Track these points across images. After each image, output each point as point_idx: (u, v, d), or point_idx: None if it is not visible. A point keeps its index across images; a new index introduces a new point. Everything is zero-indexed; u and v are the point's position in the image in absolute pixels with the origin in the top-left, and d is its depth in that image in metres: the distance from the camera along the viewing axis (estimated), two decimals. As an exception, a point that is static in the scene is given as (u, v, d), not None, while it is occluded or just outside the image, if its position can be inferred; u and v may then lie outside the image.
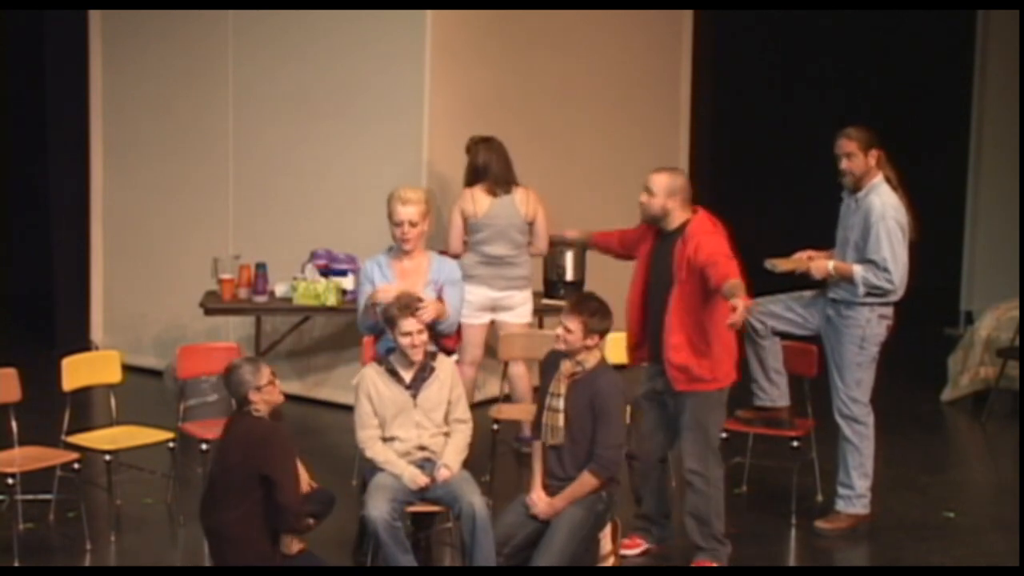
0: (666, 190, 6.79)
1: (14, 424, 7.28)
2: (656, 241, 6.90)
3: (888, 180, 7.35)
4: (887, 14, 12.93)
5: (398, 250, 7.11)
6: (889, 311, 7.37)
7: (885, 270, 7.18)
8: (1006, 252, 11.76)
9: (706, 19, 11.69)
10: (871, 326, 7.33)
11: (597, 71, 10.63)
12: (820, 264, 7.30)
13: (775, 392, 7.53)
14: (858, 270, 7.22)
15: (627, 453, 7.11)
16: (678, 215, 6.81)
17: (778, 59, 14.00)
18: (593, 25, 10.49)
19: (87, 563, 7.13)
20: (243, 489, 6.22)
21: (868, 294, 7.26)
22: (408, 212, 7.03)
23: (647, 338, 6.94)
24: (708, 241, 6.68)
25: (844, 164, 7.34)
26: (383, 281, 7.01)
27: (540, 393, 6.67)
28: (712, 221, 6.82)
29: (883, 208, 7.22)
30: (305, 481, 6.52)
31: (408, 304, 6.62)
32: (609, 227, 10.30)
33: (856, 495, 7.50)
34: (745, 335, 7.41)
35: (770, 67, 14.04)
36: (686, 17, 11.46)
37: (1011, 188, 11.81)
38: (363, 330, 7.10)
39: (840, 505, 7.55)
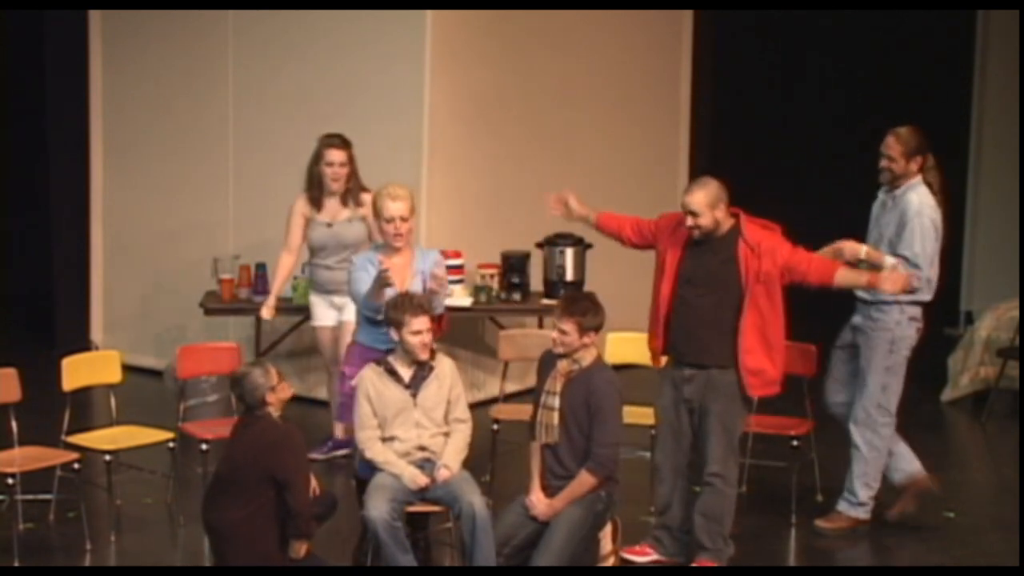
0: (708, 204, 6.71)
1: (14, 424, 7.28)
2: (690, 246, 6.82)
3: (929, 185, 7.31)
4: (887, 14, 12.92)
5: (386, 247, 7.10)
6: (918, 313, 7.31)
7: (915, 266, 7.14)
8: (1006, 252, 11.75)
9: (706, 19, 11.68)
10: (901, 328, 7.28)
11: (597, 71, 10.63)
12: (853, 246, 7.18)
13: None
14: (889, 260, 7.15)
15: (652, 465, 7.12)
16: (726, 221, 6.78)
17: (778, 59, 13.99)
18: (593, 25, 10.49)
19: (87, 563, 7.14)
20: (251, 491, 6.23)
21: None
22: (399, 208, 7.03)
23: (674, 339, 6.88)
24: (778, 244, 6.73)
25: (883, 163, 7.31)
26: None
27: (536, 392, 6.67)
28: (762, 222, 6.81)
29: (920, 206, 7.21)
30: (313, 485, 6.55)
31: (420, 304, 6.62)
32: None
33: (858, 502, 7.49)
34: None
35: (770, 67, 14.03)
36: (686, 17, 11.46)
37: (1011, 188, 11.81)
38: (368, 312, 7.05)
39: (841, 506, 7.55)
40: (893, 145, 7.30)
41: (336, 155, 8.31)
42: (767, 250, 6.72)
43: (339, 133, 8.43)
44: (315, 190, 8.40)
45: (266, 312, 8.67)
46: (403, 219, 7.03)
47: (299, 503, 6.25)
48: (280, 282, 8.65)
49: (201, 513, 6.47)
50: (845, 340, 7.55)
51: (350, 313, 8.17)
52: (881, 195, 7.46)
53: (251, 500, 6.23)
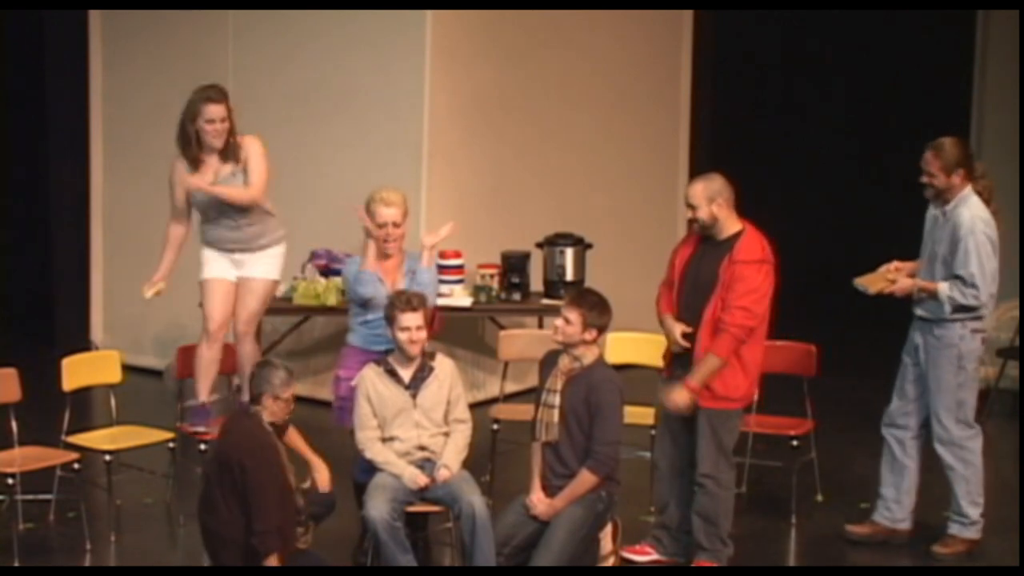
0: (705, 197, 6.68)
1: (14, 424, 7.28)
2: (699, 248, 6.80)
3: (979, 193, 7.15)
4: (887, 14, 12.92)
5: (378, 251, 7.10)
6: (981, 324, 7.14)
7: (972, 286, 6.98)
8: (1006, 252, 11.73)
9: (706, 19, 11.69)
10: (966, 343, 7.09)
11: (597, 71, 10.63)
12: (904, 283, 7.11)
13: (900, 512, 7.42)
14: (944, 288, 7.01)
15: (652, 464, 7.12)
16: (728, 223, 6.72)
17: (778, 58, 14.01)
18: (593, 25, 10.49)
19: (87, 563, 7.14)
20: (237, 492, 6.19)
21: (955, 312, 7.05)
22: (391, 214, 7.03)
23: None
24: (747, 279, 6.58)
25: (924, 179, 7.12)
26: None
27: (537, 391, 6.67)
28: (761, 245, 6.70)
29: (972, 221, 7.02)
30: (324, 480, 6.59)
31: (408, 299, 6.63)
32: (604, 224, 10.35)
33: (970, 522, 7.30)
34: (885, 447, 7.37)
35: (770, 66, 14.04)
36: (686, 17, 11.46)
37: (1011, 188, 11.79)
38: (354, 297, 7.06)
39: (954, 529, 7.33)
40: (932, 161, 7.09)
41: (217, 110, 7.48)
42: (738, 277, 6.60)
43: (215, 84, 7.66)
44: (193, 149, 7.55)
45: (147, 290, 7.76)
46: (395, 225, 7.03)
47: (260, 519, 6.11)
48: (171, 255, 7.78)
49: (197, 513, 6.46)
50: (910, 360, 7.30)
51: (253, 269, 7.75)
52: (932, 209, 7.24)
53: (239, 500, 6.18)
